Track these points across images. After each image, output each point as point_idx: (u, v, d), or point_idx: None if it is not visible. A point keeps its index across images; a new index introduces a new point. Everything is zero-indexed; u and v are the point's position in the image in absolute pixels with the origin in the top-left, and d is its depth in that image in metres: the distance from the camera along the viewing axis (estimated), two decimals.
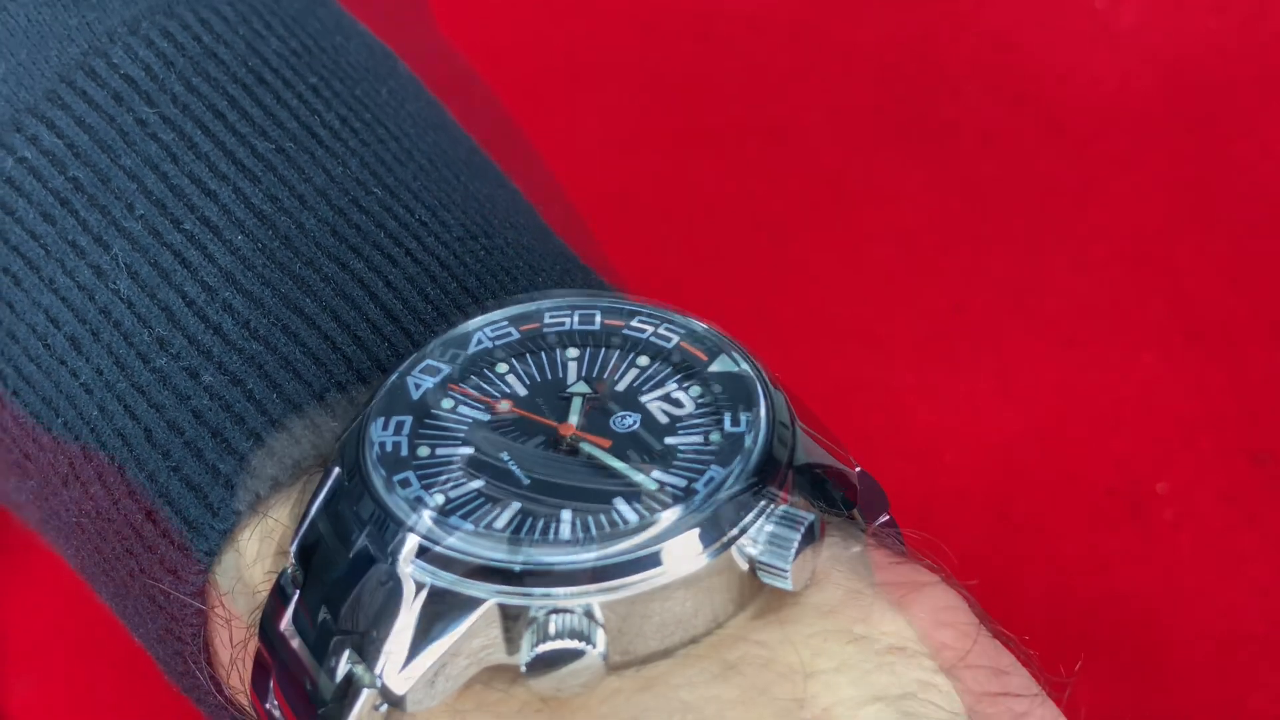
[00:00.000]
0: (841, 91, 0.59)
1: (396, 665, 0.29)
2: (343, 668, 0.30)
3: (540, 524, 0.30)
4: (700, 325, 0.33)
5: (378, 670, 0.29)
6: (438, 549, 0.29)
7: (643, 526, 0.29)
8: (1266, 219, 0.57)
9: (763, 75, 0.59)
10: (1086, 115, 0.58)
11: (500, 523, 0.30)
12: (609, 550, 0.29)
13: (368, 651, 0.29)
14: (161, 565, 0.34)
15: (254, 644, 0.32)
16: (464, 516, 0.30)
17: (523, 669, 0.29)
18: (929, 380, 0.54)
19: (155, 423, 0.34)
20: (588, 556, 0.29)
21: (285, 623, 0.31)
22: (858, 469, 0.32)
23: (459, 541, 0.29)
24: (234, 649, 0.33)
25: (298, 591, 0.31)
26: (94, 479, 0.35)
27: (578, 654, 0.29)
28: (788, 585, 0.29)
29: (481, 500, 0.30)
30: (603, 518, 0.30)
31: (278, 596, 0.31)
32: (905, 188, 0.58)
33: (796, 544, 0.29)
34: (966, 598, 0.31)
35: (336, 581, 0.30)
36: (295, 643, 0.31)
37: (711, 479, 0.30)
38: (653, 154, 0.59)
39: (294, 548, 0.31)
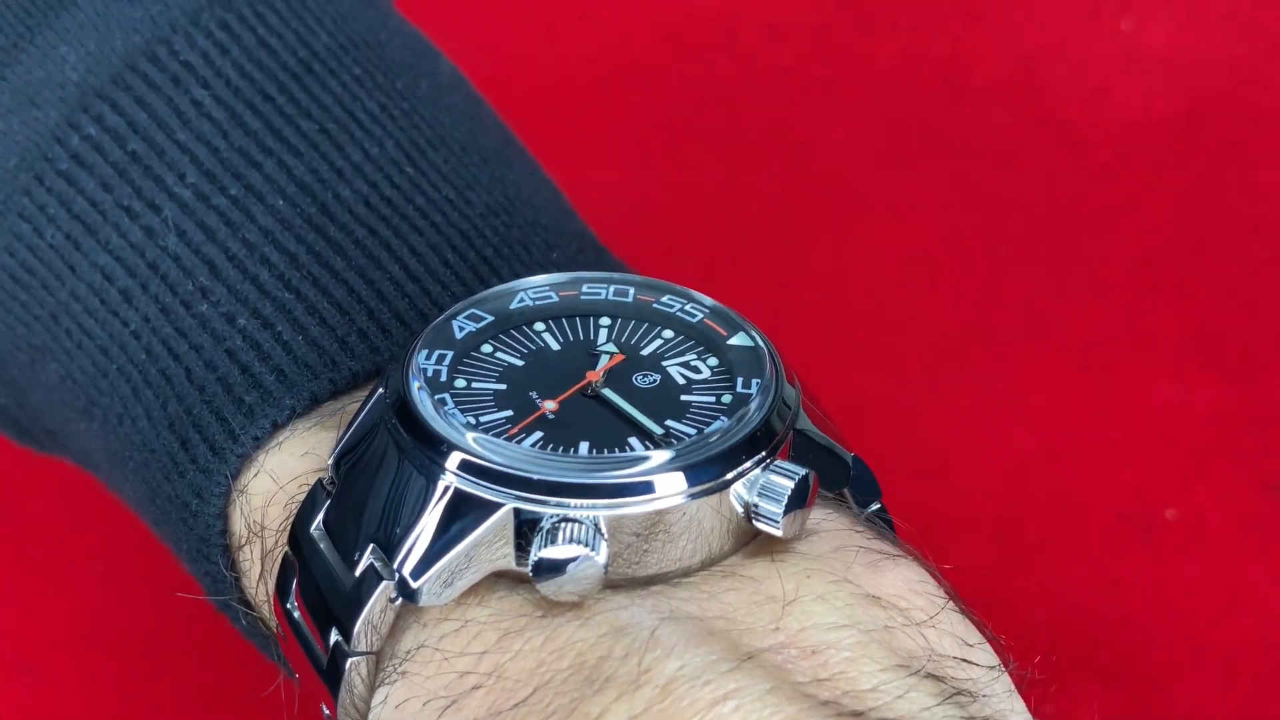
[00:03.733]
0: (864, 108, 0.58)
1: (415, 560, 0.32)
2: (364, 563, 0.32)
3: (560, 448, 0.32)
4: (723, 307, 0.36)
5: (397, 565, 0.32)
6: (466, 458, 0.32)
7: (647, 459, 0.32)
8: None
9: (785, 90, 0.59)
10: (1109, 138, 0.58)
11: (526, 443, 0.32)
12: (617, 473, 0.32)
13: (391, 548, 0.32)
14: (190, 488, 0.37)
15: (280, 553, 0.35)
16: (493, 436, 0.33)
17: (530, 571, 0.31)
18: (942, 399, 0.54)
19: (194, 362, 0.38)
20: (598, 476, 0.32)
21: (316, 525, 0.34)
22: (852, 455, 0.35)
23: (486, 451, 0.32)
24: (263, 561, 0.36)
25: (330, 498, 0.34)
26: (142, 415, 0.38)
27: (582, 560, 0.31)
28: (778, 531, 0.32)
29: (508, 425, 0.33)
30: (615, 449, 0.32)
31: (311, 503, 0.34)
32: (925, 205, 0.58)
33: (789, 493, 0.32)
34: (941, 582, 0.33)
35: (369, 487, 0.33)
36: (324, 544, 0.34)
37: (716, 429, 0.33)
38: (672, 165, 0.59)
39: (332, 459, 0.34)
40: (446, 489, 0.32)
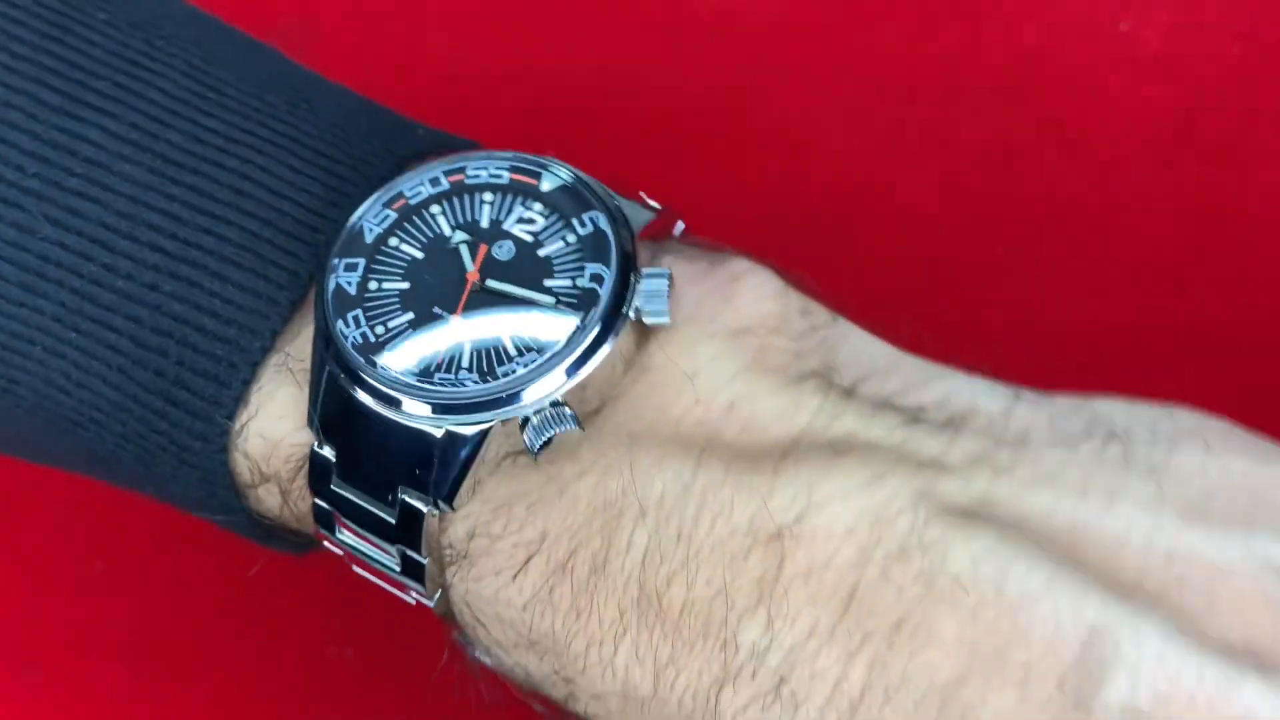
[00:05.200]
0: (863, 107, 0.59)
1: (443, 492, 0.38)
2: (399, 502, 0.38)
3: (494, 359, 0.38)
4: (523, 155, 0.41)
5: (431, 499, 0.38)
6: (439, 401, 0.38)
7: (581, 331, 0.38)
8: None
9: (783, 88, 0.59)
10: (1108, 138, 0.58)
11: (464, 377, 0.38)
12: (560, 358, 0.37)
13: (419, 486, 0.38)
14: (189, 433, 0.40)
15: (305, 495, 0.40)
16: (440, 380, 0.38)
17: (534, 456, 0.38)
18: None
19: (140, 332, 0.40)
20: (547, 367, 0.37)
21: (336, 481, 0.39)
22: (659, 206, 0.40)
23: (452, 390, 0.38)
24: (284, 496, 0.41)
25: (336, 464, 0.39)
26: (98, 381, 0.40)
27: (563, 433, 0.37)
28: (668, 320, 0.38)
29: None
30: (539, 343, 0.38)
31: (319, 472, 0.39)
32: (923, 204, 0.58)
33: (665, 291, 0.38)
34: (769, 266, 0.40)
35: (368, 446, 0.38)
36: (349, 493, 0.39)
37: (595, 274, 0.39)
38: (672, 162, 0.59)
39: (315, 428, 0.39)
40: (438, 431, 0.38)
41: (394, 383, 0.38)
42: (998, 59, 0.58)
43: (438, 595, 0.40)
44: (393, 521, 0.39)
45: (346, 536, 0.40)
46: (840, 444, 0.36)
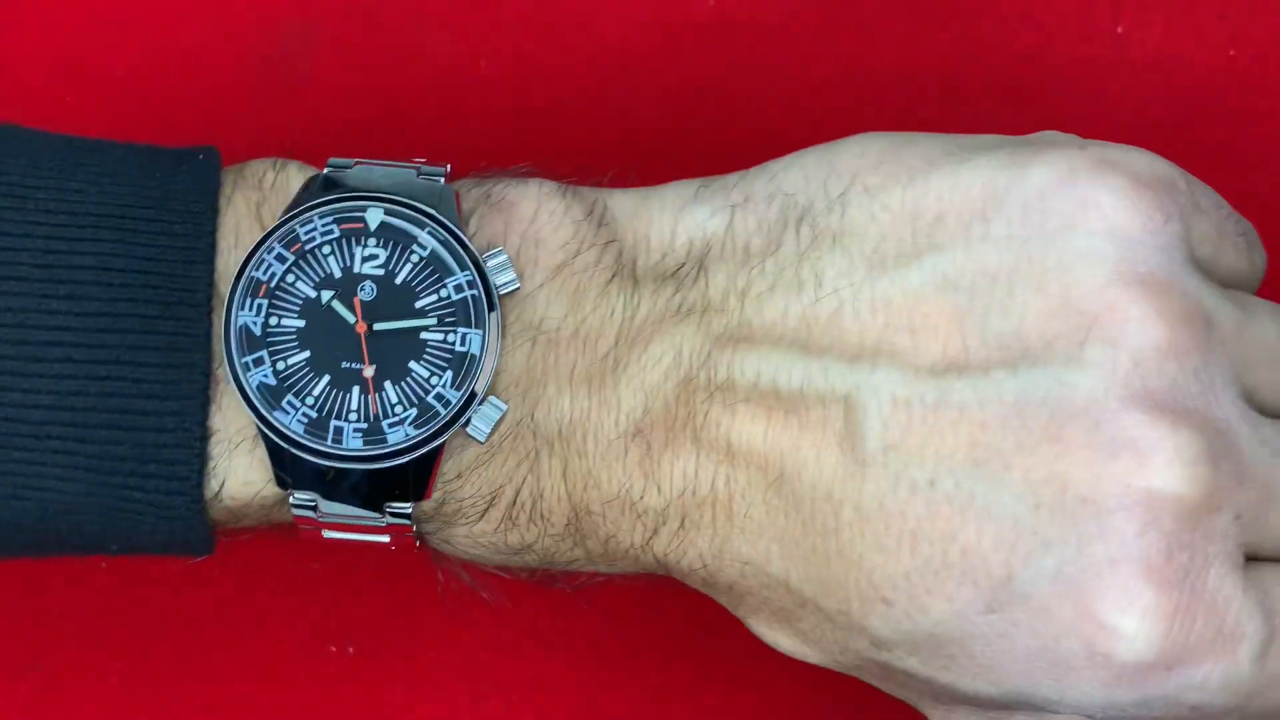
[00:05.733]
0: (861, 109, 0.59)
1: (420, 494, 0.44)
2: (388, 517, 0.44)
3: (421, 387, 0.44)
4: (340, 207, 0.44)
5: (411, 500, 0.44)
6: (393, 449, 0.44)
7: (473, 336, 0.44)
8: None
9: (782, 89, 0.59)
10: (1105, 139, 0.58)
11: (401, 417, 0.44)
12: (474, 367, 0.44)
13: (401, 499, 0.44)
14: (168, 494, 0.43)
15: (278, 512, 0.45)
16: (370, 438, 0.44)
17: (482, 443, 0.44)
18: None
19: (82, 433, 0.43)
20: (474, 380, 0.44)
21: (320, 511, 0.44)
22: (434, 166, 0.46)
23: (399, 437, 0.44)
24: (265, 525, 0.46)
25: (312, 499, 0.44)
26: (54, 482, 0.43)
27: (502, 413, 0.44)
28: (517, 285, 0.44)
29: (310, 373, 0.44)
30: (446, 344, 0.44)
31: (299, 504, 0.44)
32: None
33: (509, 264, 0.44)
34: (551, 182, 0.46)
35: (341, 491, 0.44)
36: (336, 512, 0.44)
37: (458, 284, 0.44)
38: (670, 163, 0.59)
39: (287, 486, 0.44)
40: (404, 460, 0.44)
41: (348, 456, 0.43)
42: (995, 61, 0.58)
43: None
44: (382, 525, 0.45)
45: (332, 533, 0.45)
46: (645, 331, 0.44)
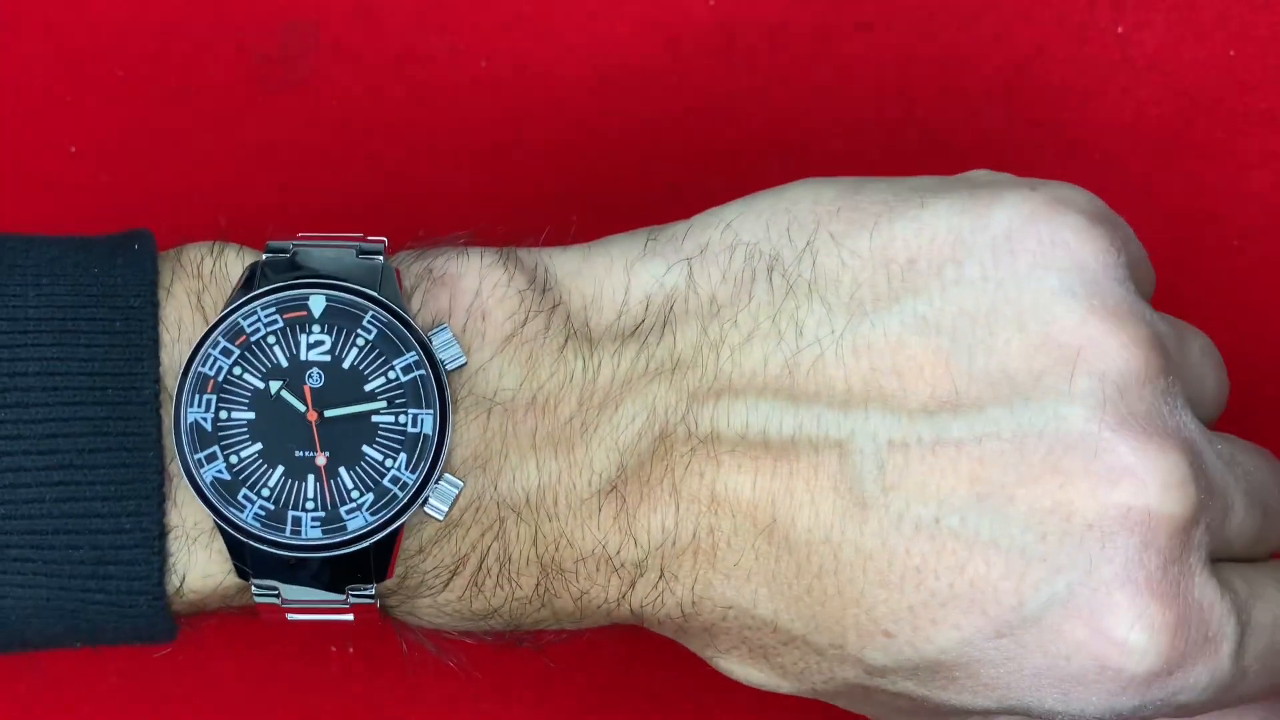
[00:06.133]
0: (860, 111, 0.59)
1: (383, 576, 0.44)
2: (353, 594, 0.44)
3: (375, 471, 0.44)
4: (281, 294, 0.44)
5: (373, 581, 0.44)
6: (351, 536, 0.44)
7: (426, 416, 0.44)
8: None
9: (781, 93, 0.59)
10: (1105, 140, 0.58)
11: (361, 501, 0.44)
12: (427, 448, 0.44)
13: (364, 580, 0.44)
14: (129, 594, 0.43)
15: (240, 598, 0.45)
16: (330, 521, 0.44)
17: (441, 520, 0.44)
18: None
19: (40, 540, 0.43)
20: (427, 462, 0.43)
21: (284, 598, 0.44)
22: (371, 241, 0.45)
23: (358, 520, 0.44)
24: (230, 603, 0.45)
25: (275, 588, 0.44)
26: (15, 585, 0.43)
27: (459, 491, 0.44)
28: (464, 360, 0.44)
29: (264, 466, 0.44)
30: (399, 421, 0.44)
31: (261, 592, 0.44)
32: None
33: (453, 341, 0.44)
34: (492, 252, 0.46)
35: (302, 577, 0.44)
36: (299, 598, 0.44)
37: (403, 364, 0.44)
38: (670, 164, 0.59)
39: (249, 578, 0.44)
40: (365, 544, 0.44)
41: (307, 546, 0.43)
42: (995, 61, 0.58)
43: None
44: (345, 606, 0.45)
45: (296, 616, 0.45)
46: (614, 392, 0.44)
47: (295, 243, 0.45)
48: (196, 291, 0.44)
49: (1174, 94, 0.58)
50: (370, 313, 0.44)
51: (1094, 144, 0.58)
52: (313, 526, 0.43)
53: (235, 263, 0.45)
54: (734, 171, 0.58)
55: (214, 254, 0.45)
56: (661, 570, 0.44)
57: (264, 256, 0.45)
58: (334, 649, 0.57)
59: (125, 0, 0.59)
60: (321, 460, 0.44)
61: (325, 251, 0.45)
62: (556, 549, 0.44)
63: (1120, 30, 0.58)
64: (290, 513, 0.43)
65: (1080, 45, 0.58)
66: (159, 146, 0.58)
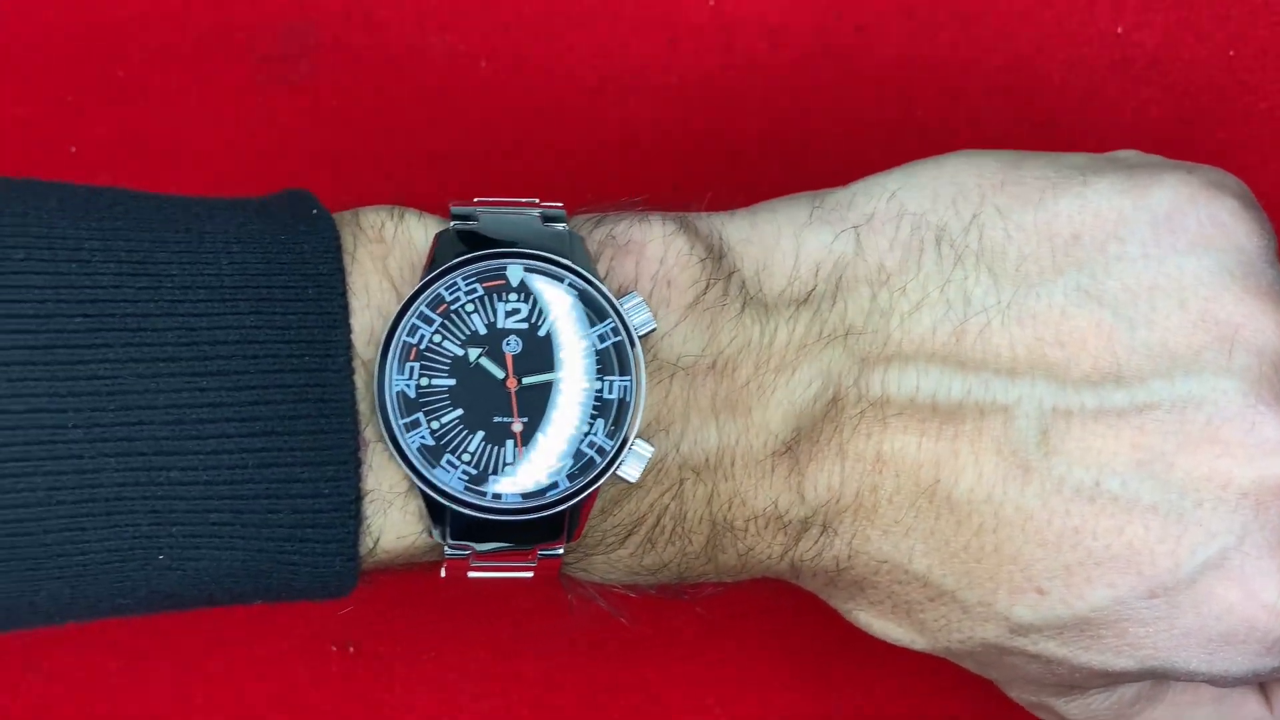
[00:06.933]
0: (860, 112, 0.59)
1: (572, 537, 0.45)
2: (542, 552, 0.45)
3: (576, 437, 0.45)
4: (482, 264, 0.45)
5: (564, 543, 0.45)
6: (553, 499, 0.44)
7: (624, 394, 0.45)
8: None
9: (781, 92, 0.59)
10: (1105, 140, 0.58)
11: (557, 458, 0.44)
12: (625, 415, 0.45)
13: (554, 542, 0.45)
14: (325, 556, 0.44)
15: (429, 558, 0.45)
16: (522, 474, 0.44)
17: (632, 483, 0.45)
18: None
19: (237, 519, 0.43)
20: (624, 428, 0.45)
21: (473, 561, 0.45)
22: (549, 206, 0.46)
23: (556, 487, 0.44)
24: (418, 561, 0.46)
25: (468, 549, 0.45)
26: (212, 548, 0.43)
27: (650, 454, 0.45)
28: (654, 325, 0.45)
29: (464, 430, 0.44)
30: (602, 405, 0.45)
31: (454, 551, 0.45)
32: None
33: (645, 307, 0.45)
34: (671, 218, 0.46)
35: (500, 535, 0.45)
36: (497, 547, 0.45)
37: (599, 332, 0.45)
38: (670, 163, 0.59)
39: (446, 538, 0.44)
40: (561, 508, 0.45)
41: (508, 510, 0.44)
42: (995, 61, 0.58)
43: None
44: (533, 565, 0.46)
45: (477, 574, 0.46)
46: (789, 357, 0.46)
47: (479, 209, 0.46)
48: (381, 257, 0.45)
49: (1174, 94, 0.58)
50: (567, 280, 0.45)
51: (1094, 144, 0.58)
52: (512, 491, 0.44)
53: (417, 227, 0.46)
54: (734, 171, 0.58)
55: (394, 218, 0.46)
56: (824, 526, 0.46)
57: (452, 225, 0.45)
58: (334, 649, 0.57)
59: (125, 0, 0.59)
60: (519, 426, 0.45)
61: (512, 217, 0.46)
62: (729, 508, 0.46)
63: (1120, 30, 0.58)
64: (491, 476, 0.44)
65: (1080, 45, 0.58)
66: (159, 146, 0.58)
